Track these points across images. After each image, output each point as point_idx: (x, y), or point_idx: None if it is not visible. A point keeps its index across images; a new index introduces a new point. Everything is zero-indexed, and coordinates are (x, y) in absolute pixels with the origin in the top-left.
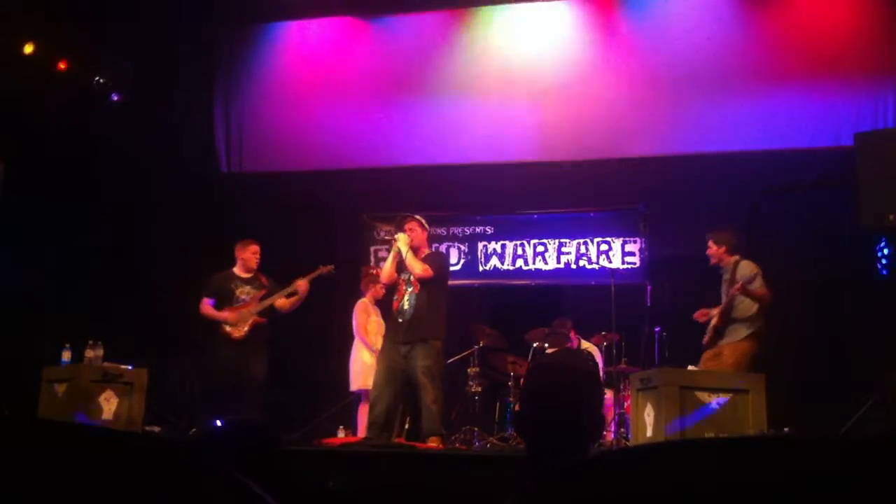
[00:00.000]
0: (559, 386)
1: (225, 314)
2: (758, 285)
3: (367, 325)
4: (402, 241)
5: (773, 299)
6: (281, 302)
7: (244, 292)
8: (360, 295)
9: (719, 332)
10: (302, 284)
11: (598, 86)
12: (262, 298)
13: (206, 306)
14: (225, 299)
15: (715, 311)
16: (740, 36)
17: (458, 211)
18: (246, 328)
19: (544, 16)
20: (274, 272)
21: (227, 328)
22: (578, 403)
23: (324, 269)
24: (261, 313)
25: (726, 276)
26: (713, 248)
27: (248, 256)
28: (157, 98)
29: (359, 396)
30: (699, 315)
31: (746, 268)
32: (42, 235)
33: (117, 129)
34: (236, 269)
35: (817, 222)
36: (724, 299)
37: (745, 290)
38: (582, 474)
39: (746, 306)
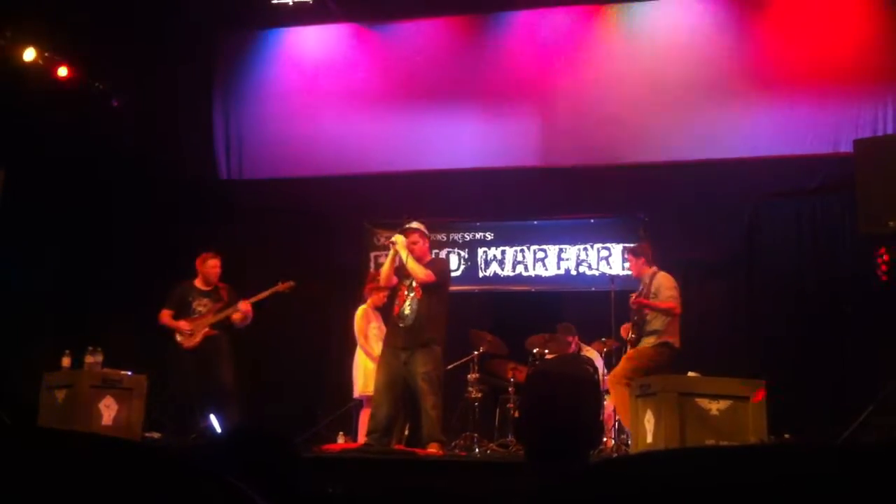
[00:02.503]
0: (558, 392)
1: (180, 323)
2: (664, 297)
3: (367, 331)
4: (400, 243)
5: (681, 311)
6: (236, 316)
7: (201, 304)
8: (361, 301)
9: (634, 345)
10: (244, 305)
11: (598, 92)
12: (218, 311)
13: (165, 316)
14: (183, 311)
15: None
16: (740, 43)
17: (458, 217)
18: (197, 339)
19: (544, 23)
20: (272, 279)
21: (179, 338)
22: (577, 410)
23: (281, 287)
24: (216, 326)
25: (642, 288)
26: (633, 262)
27: (207, 271)
28: (157, 104)
29: (360, 402)
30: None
31: (664, 280)
32: (42, 240)
33: (117, 134)
34: (197, 282)
35: (817, 229)
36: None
37: (641, 303)
38: (584, 482)
39: (657, 320)
